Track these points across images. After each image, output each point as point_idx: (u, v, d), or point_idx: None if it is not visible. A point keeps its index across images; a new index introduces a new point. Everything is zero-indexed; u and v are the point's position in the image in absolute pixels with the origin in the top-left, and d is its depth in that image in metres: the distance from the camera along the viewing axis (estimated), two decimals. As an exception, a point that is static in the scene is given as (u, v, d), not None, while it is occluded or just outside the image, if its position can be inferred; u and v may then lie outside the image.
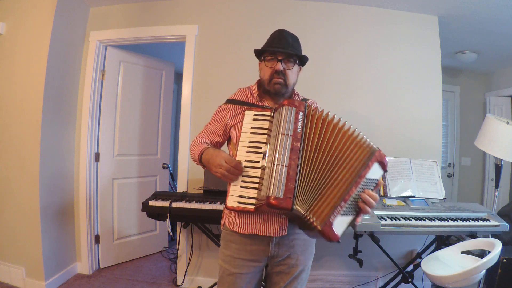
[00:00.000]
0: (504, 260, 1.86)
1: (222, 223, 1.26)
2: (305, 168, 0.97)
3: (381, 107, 2.47)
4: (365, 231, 1.78)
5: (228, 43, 2.48)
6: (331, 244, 2.66)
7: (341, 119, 1.04)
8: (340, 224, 0.96)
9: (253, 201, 0.99)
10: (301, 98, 1.30)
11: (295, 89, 1.28)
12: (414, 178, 2.15)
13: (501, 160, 2.04)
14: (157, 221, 3.13)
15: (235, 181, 1.02)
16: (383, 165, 1.03)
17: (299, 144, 0.98)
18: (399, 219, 1.82)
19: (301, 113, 1.00)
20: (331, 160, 0.99)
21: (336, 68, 2.48)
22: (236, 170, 1.01)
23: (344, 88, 2.47)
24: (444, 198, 2.13)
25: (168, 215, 1.96)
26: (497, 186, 2.12)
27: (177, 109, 4.01)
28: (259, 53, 1.23)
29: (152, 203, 1.99)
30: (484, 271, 1.48)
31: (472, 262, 1.54)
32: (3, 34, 2.30)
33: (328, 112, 1.05)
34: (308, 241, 1.22)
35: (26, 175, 2.21)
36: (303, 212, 0.94)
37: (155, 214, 2.01)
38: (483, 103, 3.95)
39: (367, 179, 0.99)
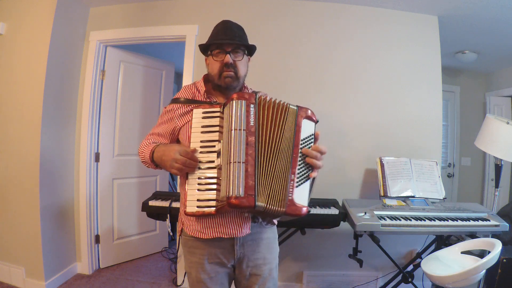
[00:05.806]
0: (504, 260, 1.86)
1: (179, 229, 1.19)
2: (262, 161, 0.94)
3: (381, 107, 2.47)
4: (365, 231, 1.78)
5: (228, 43, 2.48)
6: (331, 244, 2.64)
7: (281, 101, 1.00)
8: (301, 194, 0.95)
9: (213, 203, 0.94)
10: (250, 90, 1.23)
11: (244, 83, 1.22)
12: (414, 178, 2.15)
13: (501, 160, 2.04)
14: (157, 221, 3.12)
15: (190, 185, 0.97)
16: (310, 117, 1.01)
17: (253, 138, 0.94)
18: (399, 219, 1.82)
19: (252, 105, 0.96)
20: (278, 143, 0.97)
21: (336, 68, 2.47)
22: (193, 162, 0.96)
23: (344, 88, 2.46)
24: (444, 198, 2.13)
25: (168, 215, 1.95)
26: (497, 186, 2.13)
27: (177, 109, 4.00)
28: (204, 49, 1.16)
29: (152, 203, 1.99)
30: (484, 271, 1.47)
31: (472, 262, 1.54)
32: (3, 34, 2.30)
33: (276, 99, 1.01)
34: (271, 239, 1.19)
35: (26, 175, 2.21)
36: (265, 205, 0.91)
37: (155, 214, 2.00)
38: (483, 103, 3.95)
39: (303, 140, 0.98)
